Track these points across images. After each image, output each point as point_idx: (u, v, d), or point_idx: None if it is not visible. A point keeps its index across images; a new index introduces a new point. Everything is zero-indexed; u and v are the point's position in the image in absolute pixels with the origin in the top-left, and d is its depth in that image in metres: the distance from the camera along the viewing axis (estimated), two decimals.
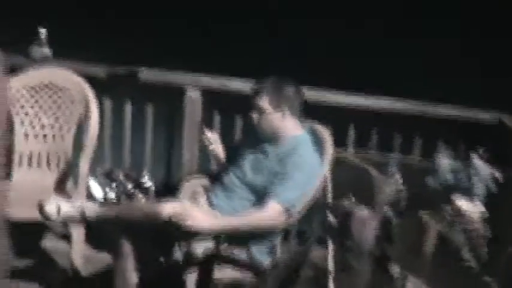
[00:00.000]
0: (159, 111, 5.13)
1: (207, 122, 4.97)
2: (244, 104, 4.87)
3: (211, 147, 4.14)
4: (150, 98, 5.07)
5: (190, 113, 4.95)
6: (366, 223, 3.69)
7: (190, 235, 3.64)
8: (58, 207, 3.87)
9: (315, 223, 3.96)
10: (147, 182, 4.99)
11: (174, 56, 5.46)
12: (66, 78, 4.77)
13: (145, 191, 4.92)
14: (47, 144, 4.78)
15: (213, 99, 5.01)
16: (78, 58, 5.14)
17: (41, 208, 3.89)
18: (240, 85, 4.93)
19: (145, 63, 5.03)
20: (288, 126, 3.91)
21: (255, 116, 3.89)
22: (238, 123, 4.99)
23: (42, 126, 4.81)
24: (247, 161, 4.00)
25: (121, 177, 4.94)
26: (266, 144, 3.95)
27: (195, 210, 3.69)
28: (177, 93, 4.98)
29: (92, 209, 3.84)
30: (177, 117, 5.10)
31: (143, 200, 4.84)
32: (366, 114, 4.91)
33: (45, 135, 4.80)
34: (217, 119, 5.05)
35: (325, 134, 4.11)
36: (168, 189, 5.03)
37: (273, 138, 3.93)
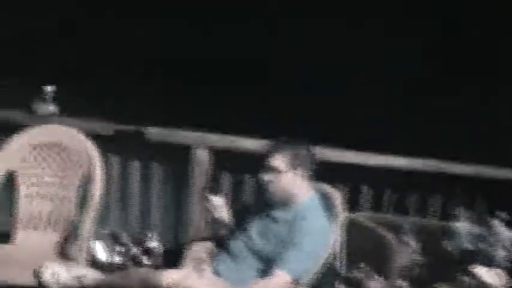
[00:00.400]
0: (166, 170, 4.98)
1: (215, 182, 4.80)
2: (254, 163, 4.77)
3: (216, 215, 3.94)
4: (157, 157, 4.94)
5: (198, 173, 4.78)
6: None
7: None
8: (56, 274, 3.69)
9: None
10: (154, 244, 4.80)
11: (181, 114, 5.29)
12: (71, 136, 4.62)
13: (151, 254, 4.73)
14: (52, 204, 4.60)
15: (221, 158, 4.82)
16: (84, 115, 4.99)
17: (37, 275, 3.71)
18: (249, 144, 4.77)
19: (152, 122, 4.85)
20: (299, 188, 3.76)
21: (265, 176, 3.71)
22: (248, 183, 4.80)
23: (47, 185, 4.63)
24: (255, 227, 3.83)
25: (126, 239, 4.75)
26: (275, 208, 3.78)
27: (198, 280, 3.49)
28: (184, 152, 4.81)
29: (91, 278, 3.67)
30: (185, 176, 4.93)
31: (147, 265, 4.64)
32: (379, 174, 4.71)
33: (49, 196, 4.63)
34: (226, 178, 4.85)
35: (336, 196, 3.94)
36: (175, 252, 4.84)
37: (283, 201, 3.76)
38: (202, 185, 4.75)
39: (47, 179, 4.63)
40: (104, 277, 3.70)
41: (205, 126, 4.87)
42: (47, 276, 3.66)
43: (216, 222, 3.99)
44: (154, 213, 4.99)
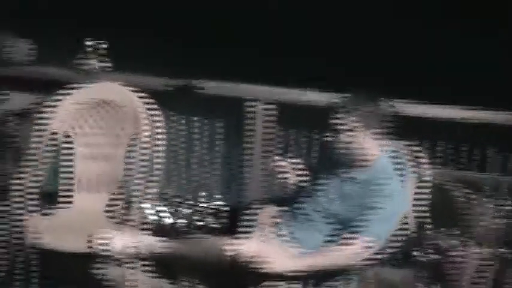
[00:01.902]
0: (225, 127, 4.60)
1: (282, 141, 4.45)
2: (321, 118, 4.40)
3: (283, 178, 3.59)
4: (212, 113, 4.56)
5: (259, 130, 4.42)
6: (467, 262, 3.14)
7: (266, 279, 3.18)
8: (110, 241, 3.39)
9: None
10: (217, 203, 4.48)
11: (243, 67, 4.91)
12: (121, 94, 4.29)
13: (217, 215, 4.41)
14: (105, 165, 4.31)
15: (285, 113, 4.45)
16: (132, 70, 4.65)
17: (91, 242, 3.41)
18: (316, 97, 4.38)
19: (208, 75, 4.49)
20: (371, 147, 3.39)
21: (333, 136, 3.35)
22: (313, 139, 4.43)
23: (94, 146, 4.33)
24: (325, 188, 3.48)
25: (178, 200, 4.43)
26: (345, 168, 3.42)
27: (272, 249, 3.16)
28: (243, 107, 4.45)
29: (148, 246, 3.35)
30: (244, 133, 4.58)
31: (214, 227, 4.33)
32: (456, 128, 4.30)
33: (97, 156, 4.33)
34: (290, 135, 4.49)
35: (409, 154, 3.56)
36: (238, 213, 4.52)
37: (353, 161, 3.40)
38: (267, 144, 4.38)
39: (98, 138, 4.31)
40: (162, 244, 3.34)
41: (267, 79, 4.49)
42: (100, 243, 3.33)
43: (283, 185, 3.61)
44: (212, 173, 4.62)
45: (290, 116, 4.41)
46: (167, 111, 4.56)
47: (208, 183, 4.62)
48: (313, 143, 4.46)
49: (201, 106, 4.62)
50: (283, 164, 3.58)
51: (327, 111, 3.44)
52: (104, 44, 4.59)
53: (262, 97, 4.46)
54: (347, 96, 3.45)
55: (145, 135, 4.12)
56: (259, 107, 4.45)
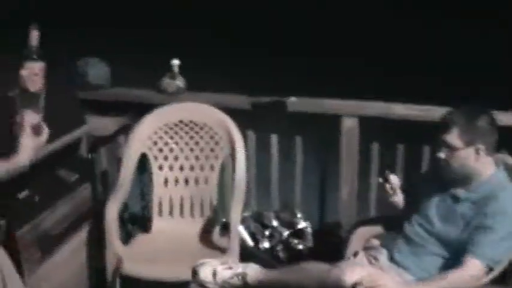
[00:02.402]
0: (310, 143, 4.49)
1: (365, 154, 4.33)
2: (407, 131, 4.27)
3: (392, 198, 3.46)
4: (300, 130, 4.44)
5: (347, 144, 4.30)
6: None
7: None
8: (214, 272, 3.30)
9: None
10: (302, 223, 4.38)
11: (326, 82, 4.79)
12: (207, 114, 4.21)
13: (302, 236, 4.31)
14: (188, 189, 4.22)
15: (371, 128, 4.32)
16: (215, 89, 4.57)
17: (194, 273, 3.33)
18: (403, 110, 4.24)
19: (293, 91, 4.38)
20: (483, 165, 3.22)
21: (441, 153, 3.21)
22: (400, 152, 4.30)
23: (182, 168, 4.24)
24: (434, 208, 3.34)
25: (273, 221, 4.34)
26: (456, 187, 3.27)
27: (384, 276, 3.03)
28: (330, 123, 4.33)
29: (254, 276, 3.25)
30: (330, 149, 4.46)
31: (299, 249, 4.23)
32: None
33: (186, 179, 4.23)
34: (375, 149, 4.35)
35: None
36: (326, 232, 4.42)
37: (464, 180, 3.24)
38: (353, 156, 4.25)
39: (184, 161, 4.22)
40: (269, 273, 3.24)
41: (350, 93, 4.37)
42: (205, 274, 3.25)
43: (392, 206, 3.48)
44: (298, 190, 4.51)
45: (385, 131, 4.26)
46: (253, 130, 4.48)
47: (303, 203, 4.48)
48: (398, 156, 4.29)
49: (286, 123, 4.49)
50: (395, 179, 3.44)
51: (436, 125, 3.29)
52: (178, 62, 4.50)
53: (346, 111, 4.30)
54: (454, 109, 3.29)
55: (240, 156, 4.00)
56: (345, 122, 4.27)
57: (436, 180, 3.36)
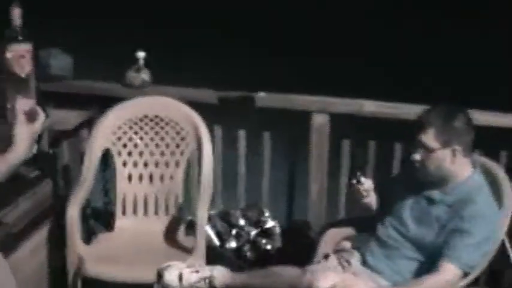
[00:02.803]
0: (279, 140, 4.36)
1: (361, 159, 4.22)
2: (379, 128, 4.18)
3: (365, 200, 3.35)
4: (268, 125, 4.32)
5: (317, 142, 4.18)
6: None
7: None
8: (180, 275, 3.18)
9: None
10: (270, 222, 4.26)
11: (297, 77, 4.67)
12: (173, 109, 4.07)
13: (269, 235, 4.19)
14: (153, 186, 4.07)
15: (342, 125, 4.22)
16: (182, 83, 4.42)
17: (159, 276, 3.20)
18: (373, 107, 4.14)
19: (262, 86, 4.26)
20: (459, 167, 3.13)
21: (417, 155, 3.11)
22: (371, 151, 4.19)
23: (146, 165, 4.10)
24: (408, 210, 3.24)
25: (240, 220, 4.22)
26: (431, 189, 3.17)
27: (358, 282, 2.93)
28: (300, 119, 4.21)
29: (222, 279, 3.13)
30: (299, 146, 4.35)
31: (266, 249, 4.12)
32: None
33: (151, 175, 4.09)
34: (346, 146, 4.24)
35: (500, 171, 3.31)
36: (294, 232, 4.31)
37: (439, 182, 3.14)
38: (324, 154, 4.14)
39: (149, 157, 4.07)
40: (239, 277, 3.11)
41: (320, 89, 4.25)
42: (171, 278, 3.12)
43: (363, 207, 3.37)
44: (265, 187, 4.39)
45: (354, 128, 4.16)
46: (220, 125, 4.35)
47: (270, 201, 4.36)
48: (369, 154, 4.19)
49: (254, 119, 4.37)
50: (369, 184, 3.32)
51: (411, 124, 3.19)
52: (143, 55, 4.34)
53: (316, 108, 4.18)
54: (429, 108, 3.19)
55: (206, 152, 3.87)
56: (316, 119, 4.16)
57: (410, 180, 3.26)
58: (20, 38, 2.50)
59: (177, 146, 4.07)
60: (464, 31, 8.96)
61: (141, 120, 4.09)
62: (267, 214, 4.29)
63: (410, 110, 3.95)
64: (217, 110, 4.35)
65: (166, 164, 4.10)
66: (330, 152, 4.27)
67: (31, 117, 2.34)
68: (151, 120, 4.08)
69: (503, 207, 3.21)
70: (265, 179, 4.44)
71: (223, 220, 4.22)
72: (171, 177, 4.08)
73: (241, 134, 4.39)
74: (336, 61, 7.48)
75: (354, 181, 3.28)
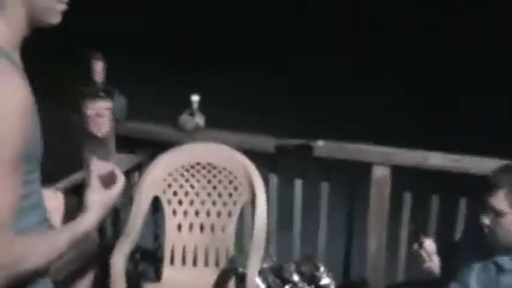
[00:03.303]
0: (337, 191, 4.15)
1: (396, 204, 3.99)
2: (443, 182, 3.95)
3: (426, 265, 3.11)
4: (326, 175, 4.11)
5: (377, 195, 3.96)
6: None
7: None
8: None
9: None
10: (326, 279, 4.03)
11: (356, 126, 4.47)
12: (227, 156, 3.89)
13: None
14: (203, 236, 3.90)
15: (404, 178, 3.99)
16: (238, 129, 4.25)
17: None
18: (439, 160, 3.90)
19: (321, 135, 4.06)
20: None
21: (486, 219, 2.86)
22: (434, 205, 3.95)
23: (197, 214, 3.92)
24: (475, 278, 2.99)
25: (294, 275, 4.00)
26: (500, 255, 2.92)
27: None
28: (359, 169, 4.00)
29: None
30: (358, 197, 4.13)
31: None
32: None
33: (201, 225, 3.91)
34: (407, 201, 4.01)
35: None
36: None
37: (510, 248, 2.89)
38: (384, 208, 3.92)
39: (200, 206, 3.90)
40: None
41: (382, 140, 4.04)
42: None
43: (425, 271, 3.13)
44: (321, 242, 4.17)
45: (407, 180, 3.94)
46: (276, 174, 4.17)
47: (326, 255, 4.15)
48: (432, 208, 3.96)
49: (312, 168, 4.17)
50: (432, 247, 3.09)
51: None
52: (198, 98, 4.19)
53: (378, 159, 3.97)
54: (498, 168, 2.95)
55: (260, 203, 3.68)
56: (376, 171, 3.94)
57: (476, 245, 3.01)
58: (102, 94, 2.28)
59: (230, 195, 3.89)
60: None
61: (192, 167, 3.93)
62: (322, 269, 4.06)
63: (476, 164, 3.74)
64: (273, 157, 4.16)
65: (218, 214, 3.92)
66: (390, 204, 4.03)
67: (108, 182, 2.08)
68: (203, 167, 3.91)
69: None
70: (322, 232, 4.22)
71: (276, 275, 4.00)
72: (223, 228, 3.91)
73: (298, 183, 4.18)
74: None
75: (416, 246, 3.05)
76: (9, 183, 1.74)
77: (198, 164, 3.90)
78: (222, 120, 4.21)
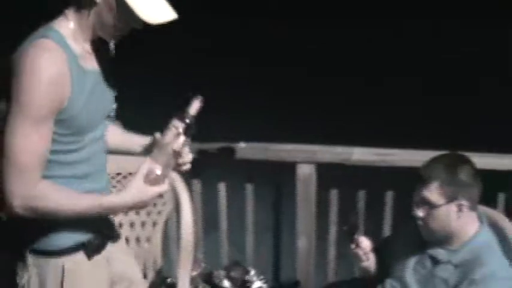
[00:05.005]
0: (264, 193, 4.08)
1: (324, 202, 3.95)
2: (368, 176, 3.94)
3: (364, 264, 3.06)
4: (250, 178, 4.03)
5: (303, 194, 3.90)
6: None
7: None
8: None
9: None
10: (257, 283, 3.96)
11: (280, 127, 4.43)
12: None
13: None
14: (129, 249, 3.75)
15: (329, 175, 3.94)
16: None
17: None
18: (363, 156, 3.88)
19: (243, 137, 3.99)
20: (466, 223, 2.85)
21: (419, 212, 2.83)
22: (361, 200, 3.92)
23: (121, 225, 3.78)
24: (411, 272, 2.95)
25: (224, 281, 3.92)
26: (435, 248, 2.89)
27: None
28: (284, 169, 3.94)
29: None
30: (287, 199, 4.07)
31: None
32: None
33: (127, 238, 3.77)
34: (334, 197, 3.97)
35: (505, 221, 3.04)
36: None
37: (447, 239, 2.86)
38: (311, 205, 3.87)
39: (122, 217, 3.77)
40: None
41: (305, 138, 3.99)
42: None
43: (362, 270, 3.08)
44: (249, 246, 4.09)
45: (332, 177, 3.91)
46: (199, 179, 4.07)
47: (255, 258, 4.08)
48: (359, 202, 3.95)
49: (235, 171, 4.09)
50: (368, 245, 3.04)
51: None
52: None
53: (302, 158, 3.91)
54: (430, 160, 2.92)
55: (185, 210, 3.57)
56: (301, 169, 3.89)
57: (411, 239, 2.98)
58: (187, 121, 2.44)
59: (154, 205, 3.75)
60: None
61: (113, 178, 3.77)
62: (252, 273, 3.99)
63: (402, 157, 3.74)
64: (195, 162, 4.04)
65: (143, 225, 3.78)
66: (318, 203, 3.98)
67: (152, 183, 2.36)
68: (124, 177, 3.76)
69: None
70: (249, 235, 4.15)
71: (207, 282, 3.91)
72: (148, 239, 3.77)
73: (222, 187, 4.09)
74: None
75: (353, 246, 2.99)
76: (35, 135, 2.21)
77: (118, 174, 3.76)
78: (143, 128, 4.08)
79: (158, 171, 2.37)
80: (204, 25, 10.34)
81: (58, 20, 2.32)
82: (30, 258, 2.47)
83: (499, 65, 8.77)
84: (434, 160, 2.87)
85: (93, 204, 2.35)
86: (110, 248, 2.61)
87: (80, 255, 2.49)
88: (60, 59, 2.23)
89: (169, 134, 2.43)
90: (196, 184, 4.07)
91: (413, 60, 9.60)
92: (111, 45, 2.56)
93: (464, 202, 2.78)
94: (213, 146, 4.00)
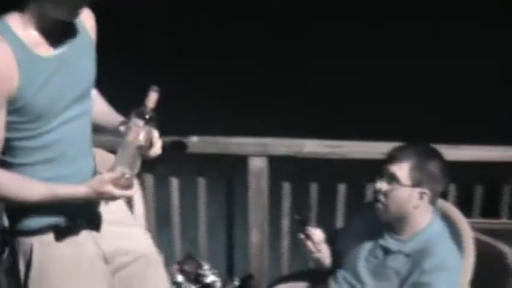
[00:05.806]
0: (216, 187, 4.06)
1: (275, 195, 3.95)
2: (320, 169, 3.95)
3: (316, 256, 3.07)
4: (202, 172, 4.02)
5: (255, 187, 3.90)
6: None
7: None
8: None
9: None
10: (211, 276, 3.95)
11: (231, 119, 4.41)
12: (101, 160, 3.68)
13: None
14: None
15: (281, 167, 3.94)
16: None
17: None
18: (314, 148, 3.92)
19: (194, 130, 3.96)
20: (421, 213, 2.89)
21: (383, 184, 2.83)
22: (314, 193, 3.93)
23: None
24: (363, 263, 2.97)
25: (178, 276, 3.90)
26: (386, 239, 2.91)
27: None
28: (236, 162, 3.93)
29: None
30: (239, 192, 4.06)
31: None
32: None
33: None
34: (287, 190, 3.97)
35: (457, 214, 3.08)
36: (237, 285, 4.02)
37: (396, 226, 2.88)
38: (263, 198, 3.86)
39: None
40: None
41: (256, 131, 3.99)
42: None
43: (315, 262, 3.10)
44: (202, 239, 4.08)
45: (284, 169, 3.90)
46: (151, 174, 4.04)
47: (207, 252, 4.06)
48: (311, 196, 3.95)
49: (187, 165, 4.07)
50: (318, 233, 3.05)
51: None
52: None
53: (253, 151, 3.91)
54: (406, 144, 2.94)
55: (137, 205, 3.55)
56: (252, 162, 3.89)
57: (363, 230, 3.01)
58: (147, 116, 2.45)
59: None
60: None
61: None
62: (206, 267, 3.98)
63: (353, 149, 3.76)
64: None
65: None
66: (270, 196, 3.98)
67: (122, 186, 2.39)
68: None
69: (464, 253, 2.95)
70: (202, 229, 4.13)
71: None
72: None
73: (174, 181, 4.06)
74: None
75: (302, 236, 3.00)
76: None
77: None
78: None
79: (127, 175, 2.40)
80: None
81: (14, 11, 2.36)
82: (5, 237, 2.61)
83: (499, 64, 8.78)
84: (409, 145, 2.92)
85: (46, 195, 2.42)
86: (94, 227, 2.62)
87: (49, 237, 2.52)
88: (3, 51, 2.28)
89: (131, 133, 2.42)
90: (149, 178, 4.01)
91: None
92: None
93: (427, 192, 2.83)
94: (164, 140, 3.95)
